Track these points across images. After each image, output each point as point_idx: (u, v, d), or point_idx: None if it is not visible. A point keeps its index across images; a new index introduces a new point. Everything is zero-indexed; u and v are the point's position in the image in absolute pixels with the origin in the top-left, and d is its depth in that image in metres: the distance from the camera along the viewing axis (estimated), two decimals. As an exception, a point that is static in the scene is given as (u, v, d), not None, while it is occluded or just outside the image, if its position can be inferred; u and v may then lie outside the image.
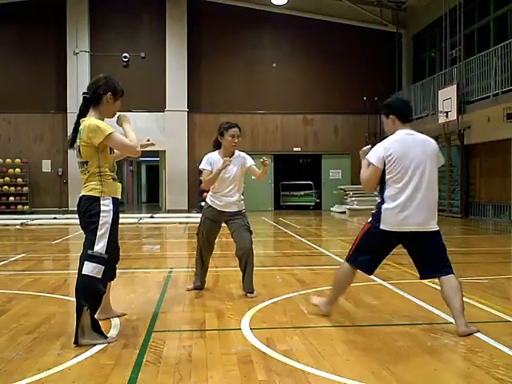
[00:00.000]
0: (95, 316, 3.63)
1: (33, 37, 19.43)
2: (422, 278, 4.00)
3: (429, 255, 3.85)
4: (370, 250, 3.93)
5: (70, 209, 18.87)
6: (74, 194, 19.01)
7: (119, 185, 3.83)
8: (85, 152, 3.72)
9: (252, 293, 5.00)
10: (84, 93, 3.83)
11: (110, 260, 3.67)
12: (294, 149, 20.64)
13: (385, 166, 3.77)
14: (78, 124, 3.79)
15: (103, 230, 3.60)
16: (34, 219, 15.24)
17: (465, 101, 14.81)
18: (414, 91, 18.44)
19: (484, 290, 5.26)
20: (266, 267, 6.70)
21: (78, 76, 19.21)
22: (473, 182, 16.14)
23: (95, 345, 3.49)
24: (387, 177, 3.77)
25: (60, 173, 19.53)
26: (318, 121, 20.44)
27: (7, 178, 19.10)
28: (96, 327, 3.57)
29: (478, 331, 3.72)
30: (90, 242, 3.60)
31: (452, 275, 3.84)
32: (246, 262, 4.98)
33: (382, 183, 3.83)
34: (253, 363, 3.17)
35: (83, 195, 3.73)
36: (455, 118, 14.76)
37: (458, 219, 15.57)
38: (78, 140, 3.77)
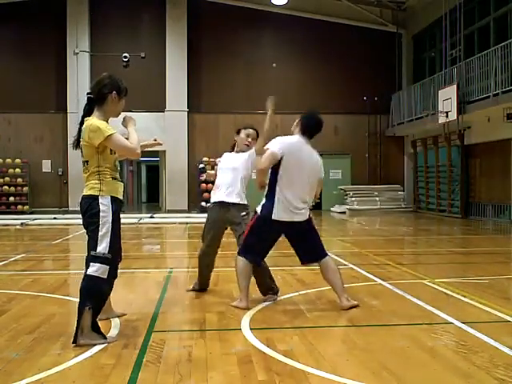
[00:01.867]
0: None
1: (33, 37, 19.41)
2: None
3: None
4: None
5: (70, 209, 18.88)
6: (74, 193, 19.02)
7: (120, 184, 3.80)
8: (86, 151, 3.72)
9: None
10: (88, 93, 3.83)
11: (114, 259, 3.66)
12: (294, 149, 20.63)
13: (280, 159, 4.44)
14: (82, 124, 3.77)
15: (104, 230, 3.59)
16: (33, 219, 15.24)
17: (465, 101, 14.81)
18: (414, 91, 18.44)
19: (484, 290, 5.26)
20: (266, 267, 6.70)
21: (78, 76, 19.20)
22: (473, 182, 16.13)
23: (94, 345, 3.49)
24: (279, 171, 4.45)
25: (60, 173, 19.52)
26: (317, 121, 20.41)
27: (7, 178, 19.08)
28: (96, 328, 3.57)
29: (358, 305, 4.39)
30: (93, 243, 3.60)
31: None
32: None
33: (271, 178, 4.47)
34: (253, 363, 3.17)
35: (83, 195, 3.73)
36: (455, 117, 14.76)
37: (458, 219, 15.57)
38: (81, 140, 3.75)
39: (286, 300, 4.89)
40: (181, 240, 11.40)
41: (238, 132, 5.32)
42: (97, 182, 3.67)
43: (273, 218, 4.33)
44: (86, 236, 3.71)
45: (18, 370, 3.07)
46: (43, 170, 19.63)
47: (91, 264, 3.56)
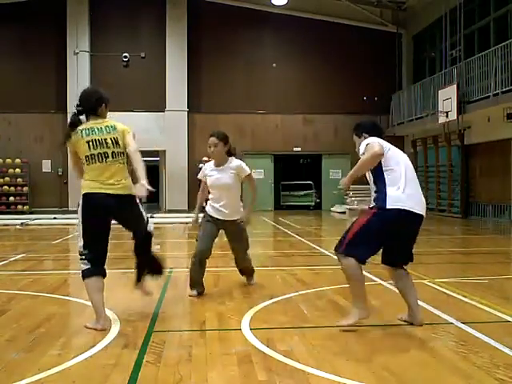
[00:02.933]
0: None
1: (33, 37, 19.42)
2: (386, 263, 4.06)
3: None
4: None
5: (70, 209, 18.87)
6: (74, 194, 19.00)
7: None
8: (121, 143, 4.13)
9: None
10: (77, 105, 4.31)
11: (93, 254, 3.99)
12: (294, 149, 20.64)
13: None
14: (74, 125, 4.12)
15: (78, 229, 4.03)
16: (34, 219, 15.23)
17: (465, 101, 14.81)
18: (414, 91, 18.44)
19: (484, 290, 5.26)
20: (266, 267, 6.70)
21: (78, 76, 19.20)
22: (473, 182, 16.13)
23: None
24: (386, 163, 3.87)
25: (60, 173, 19.53)
26: (317, 121, 20.42)
27: (7, 178, 19.09)
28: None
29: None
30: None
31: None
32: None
33: (378, 176, 3.90)
34: (253, 363, 3.17)
35: (122, 194, 4.12)
36: (455, 118, 14.76)
37: (458, 219, 15.57)
38: (108, 134, 4.04)
39: (286, 300, 4.89)
40: (181, 240, 11.39)
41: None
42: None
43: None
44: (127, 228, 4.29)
45: (18, 370, 3.07)
46: (43, 170, 19.64)
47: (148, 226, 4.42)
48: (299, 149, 20.67)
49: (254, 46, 20.33)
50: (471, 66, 14.98)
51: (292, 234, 11.30)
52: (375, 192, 3.92)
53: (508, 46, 13.26)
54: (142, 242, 4.47)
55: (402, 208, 3.73)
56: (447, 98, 15.17)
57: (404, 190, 3.77)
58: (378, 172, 3.88)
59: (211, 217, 5.07)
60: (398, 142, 20.46)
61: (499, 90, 13.36)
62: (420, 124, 17.81)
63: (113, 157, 3.98)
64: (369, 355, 3.32)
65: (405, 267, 4.01)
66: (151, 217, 16.14)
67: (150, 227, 4.51)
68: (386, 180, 3.83)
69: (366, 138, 4.12)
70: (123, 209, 4.09)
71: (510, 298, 5.25)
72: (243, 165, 5.11)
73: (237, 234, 5.14)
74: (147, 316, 4.28)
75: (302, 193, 21.08)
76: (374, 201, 3.88)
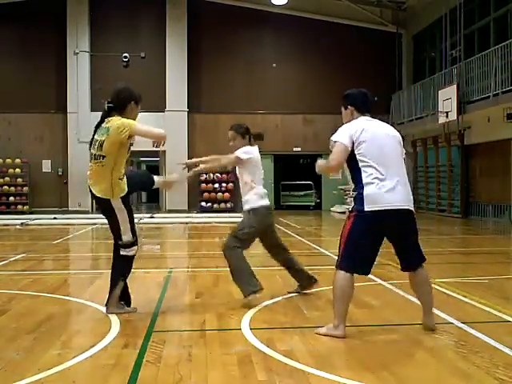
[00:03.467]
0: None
1: (33, 37, 19.42)
2: (404, 269, 3.84)
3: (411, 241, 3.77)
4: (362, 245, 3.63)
5: (70, 209, 18.89)
6: (74, 194, 19.04)
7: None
8: (107, 146, 4.19)
9: (245, 297, 4.61)
10: (108, 102, 4.27)
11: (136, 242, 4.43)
12: (294, 149, 20.64)
13: (353, 147, 3.63)
14: (98, 126, 4.24)
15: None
16: (34, 219, 15.23)
17: (465, 101, 14.81)
18: (414, 91, 18.44)
19: (484, 290, 5.26)
20: (266, 267, 6.70)
21: (78, 76, 19.21)
22: (473, 182, 16.13)
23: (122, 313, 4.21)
24: (362, 159, 3.60)
25: (60, 173, 19.52)
26: (317, 121, 20.42)
27: (7, 178, 19.09)
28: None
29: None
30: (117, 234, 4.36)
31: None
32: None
33: (354, 170, 3.66)
34: (253, 363, 3.17)
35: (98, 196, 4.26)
36: (455, 118, 14.76)
37: (458, 219, 15.57)
38: (101, 136, 4.14)
39: (286, 300, 4.88)
40: (181, 240, 11.39)
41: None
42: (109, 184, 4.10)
43: None
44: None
45: (18, 370, 3.07)
46: (43, 170, 19.63)
47: (121, 249, 4.26)
48: (299, 149, 20.66)
49: (253, 46, 20.33)
50: (471, 65, 14.98)
51: (292, 234, 11.30)
52: (353, 191, 3.68)
53: (508, 46, 13.26)
54: (114, 257, 4.38)
55: (382, 209, 3.51)
56: (447, 98, 15.17)
57: (382, 186, 3.52)
58: (354, 169, 3.66)
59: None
60: (397, 142, 20.50)
61: (499, 90, 13.35)
62: (420, 124, 17.81)
63: (95, 158, 4.12)
64: (369, 355, 3.32)
65: (423, 271, 3.80)
66: (151, 217, 16.17)
67: (127, 251, 4.28)
68: (363, 177, 3.58)
69: (351, 112, 3.86)
70: (101, 211, 4.29)
71: (510, 297, 5.26)
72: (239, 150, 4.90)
73: None
74: (147, 316, 4.28)
75: (301, 193, 21.08)
76: (353, 201, 3.66)
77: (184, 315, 4.43)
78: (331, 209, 19.89)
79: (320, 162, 3.89)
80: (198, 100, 19.87)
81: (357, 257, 3.62)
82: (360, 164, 3.61)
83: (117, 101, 4.22)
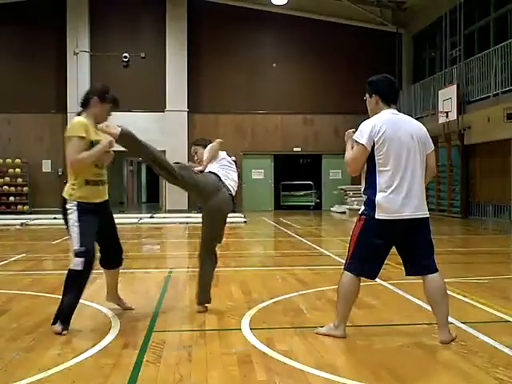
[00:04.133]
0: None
1: (33, 37, 19.42)
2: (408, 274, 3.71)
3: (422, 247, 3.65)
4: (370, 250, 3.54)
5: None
6: (74, 194, 19.02)
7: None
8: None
9: (200, 305, 4.45)
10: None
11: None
12: (294, 149, 20.64)
13: (373, 147, 3.41)
14: None
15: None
16: (33, 219, 15.23)
17: (465, 101, 14.81)
18: (414, 91, 18.44)
19: (484, 290, 5.26)
20: (266, 267, 6.70)
21: (78, 76, 19.20)
22: (473, 182, 16.13)
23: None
24: (380, 162, 3.41)
25: (60, 173, 19.51)
26: (317, 121, 20.43)
27: (7, 178, 19.09)
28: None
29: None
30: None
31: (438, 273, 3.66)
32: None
33: (370, 171, 3.49)
34: (253, 363, 3.17)
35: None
36: (455, 117, 14.76)
37: (458, 219, 15.56)
38: None
39: (286, 300, 4.88)
40: (181, 240, 11.39)
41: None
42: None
43: None
44: None
45: (18, 369, 3.07)
46: (43, 170, 19.63)
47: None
48: (299, 149, 20.67)
49: (253, 46, 20.33)
50: (471, 65, 14.98)
51: (292, 234, 11.30)
52: (364, 193, 3.53)
53: (508, 46, 13.26)
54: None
55: (392, 218, 3.38)
56: (447, 98, 15.17)
57: (396, 195, 3.38)
58: (370, 170, 3.48)
59: None
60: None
61: (499, 90, 13.35)
62: (420, 124, 17.80)
63: None
64: (369, 355, 3.32)
65: (436, 275, 3.67)
66: (151, 217, 16.16)
67: (75, 262, 3.91)
68: (378, 182, 3.42)
69: (376, 101, 3.60)
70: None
71: (510, 297, 5.25)
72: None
73: None
74: (147, 316, 4.28)
75: (301, 193, 21.08)
76: (364, 204, 3.52)
77: (184, 315, 4.42)
78: (331, 209, 19.89)
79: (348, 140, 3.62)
80: (197, 100, 19.87)
81: (365, 260, 3.53)
82: (377, 167, 3.43)
83: (83, 96, 4.07)
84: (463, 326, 3.92)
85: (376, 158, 3.43)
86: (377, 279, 5.70)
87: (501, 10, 15.14)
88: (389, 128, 3.44)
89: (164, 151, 19.72)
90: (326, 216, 18.31)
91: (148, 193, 29.33)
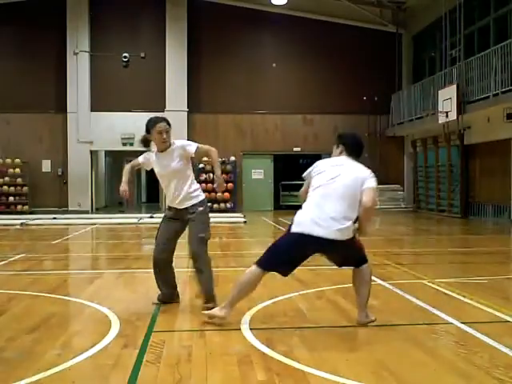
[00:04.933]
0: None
1: (33, 37, 19.40)
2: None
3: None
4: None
5: (70, 209, 18.88)
6: (74, 194, 19.04)
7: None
8: None
9: (208, 303, 4.38)
10: None
11: None
12: (294, 149, 20.64)
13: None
14: None
15: None
16: (33, 219, 15.23)
17: (465, 101, 14.81)
18: (414, 91, 18.43)
19: (484, 290, 5.26)
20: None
21: (78, 76, 19.19)
22: (473, 182, 16.13)
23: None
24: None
25: (60, 173, 19.51)
26: (317, 121, 20.42)
27: (7, 178, 19.07)
28: None
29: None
30: None
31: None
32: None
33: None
34: (253, 363, 3.17)
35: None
36: (455, 117, 14.75)
37: (458, 219, 15.56)
38: None
39: (286, 300, 4.89)
40: (180, 240, 11.37)
41: (148, 131, 4.55)
42: None
43: None
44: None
45: (18, 370, 3.07)
46: (43, 170, 19.62)
47: None
48: (299, 149, 20.66)
49: (253, 46, 20.32)
50: (471, 65, 14.97)
51: (292, 234, 11.29)
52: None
53: (508, 46, 13.25)
54: None
55: (301, 232, 3.76)
56: (447, 98, 15.16)
57: (308, 213, 3.84)
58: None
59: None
60: (397, 142, 20.52)
61: (499, 90, 13.35)
62: (420, 124, 17.81)
63: None
64: (369, 355, 3.32)
65: (365, 269, 3.99)
66: (151, 217, 16.13)
67: None
68: (304, 203, 4.00)
69: (341, 151, 4.05)
70: None
71: (510, 297, 5.26)
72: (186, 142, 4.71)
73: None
74: (147, 316, 4.28)
75: (301, 193, 21.05)
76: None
77: (184, 315, 4.43)
78: (331, 209, 19.86)
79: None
80: (198, 100, 19.86)
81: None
82: (309, 191, 4.04)
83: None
84: (463, 326, 3.92)
85: (309, 188, 4.09)
86: (377, 279, 5.72)
87: (501, 10, 15.13)
88: (329, 163, 4.15)
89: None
90: (325, 216, 18.29)
91: (148, 193, 29.32)
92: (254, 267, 3.84)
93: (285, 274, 3.96)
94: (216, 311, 3.97)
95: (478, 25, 16.21)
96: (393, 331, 3.87)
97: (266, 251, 3.92)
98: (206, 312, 4.06)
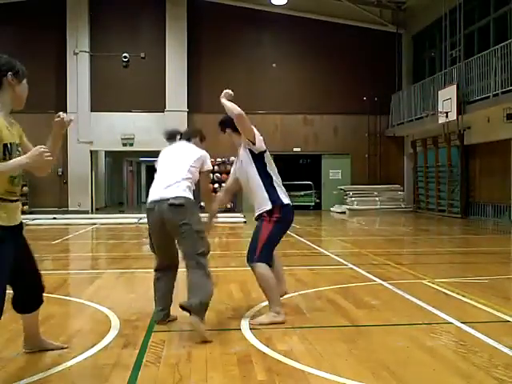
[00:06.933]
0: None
1: (33, 37, 19.40)
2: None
3: None
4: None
5: (70, 209, 18.88)
6: (74, 194, 19.03)
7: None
8: None
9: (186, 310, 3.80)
10: None
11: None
12: (294, 149, 20.64)
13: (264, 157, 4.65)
14: None
15: None
16: (33, 219, 15.23)
17: (465, 101, 14.81)
18: (414, 91, 18.44)
19: (484, 289, 5.26)
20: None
21: (78, 76, 19.19)
22: (473, 182, 16.13)
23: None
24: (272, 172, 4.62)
25: (60, 173, 19.50)
26: (317, 121, 20.42)
27: (7, 178, 19.07)
28: None
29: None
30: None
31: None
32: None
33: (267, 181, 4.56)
34: (253, 363, 3.17)
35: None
36: (455, 118, 14.75)
37: (458, 219, 15.56)
38: None
39: (286, 300, 4.88)
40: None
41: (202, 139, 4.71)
42: None
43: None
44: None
45: (18, 370, 3.07)
46: (43, 170, 19.61)
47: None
48: (299, 149, 20.66)
49: (253, 46, 20.33)
50: (471, 66, 14.97)
51: (292, 234, 11.30)
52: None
53: (508, 46, 13.25)
54: None
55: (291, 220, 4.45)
56: (447, 99, 15.16)
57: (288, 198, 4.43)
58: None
59: None
60: (397, 142, 20.52)
61: (499, 91, 13.35)
62: (420, 124, 17.81)
63: None
64: (369, 355, 3.33)
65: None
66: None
67: None
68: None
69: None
70: None
71: (510, 297, 5.26)
72: None
73: None
74: (147, 316, 4.28)
75: (301, 193, 21.06)
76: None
77: (184, 315, 4.42)
78: (331, 209, 19.88)
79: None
80: (198, 100, 19.85)
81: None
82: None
83: None
84: (463, 326, 3.92)
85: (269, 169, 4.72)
86: (377, 279, 5.73)
87: (501, 10, 15.13)
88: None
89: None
90: (325, 216, 18.31)
91: (148, 193, 29.33)
92: (263, 265, 4.09)
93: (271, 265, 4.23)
94: (273, 319, 4.02)
95: (477, 25, 16.21)
96: (393, 331, 3.87)
97: (262, 247, 4.13)
98: (266, 321, 4.02)
